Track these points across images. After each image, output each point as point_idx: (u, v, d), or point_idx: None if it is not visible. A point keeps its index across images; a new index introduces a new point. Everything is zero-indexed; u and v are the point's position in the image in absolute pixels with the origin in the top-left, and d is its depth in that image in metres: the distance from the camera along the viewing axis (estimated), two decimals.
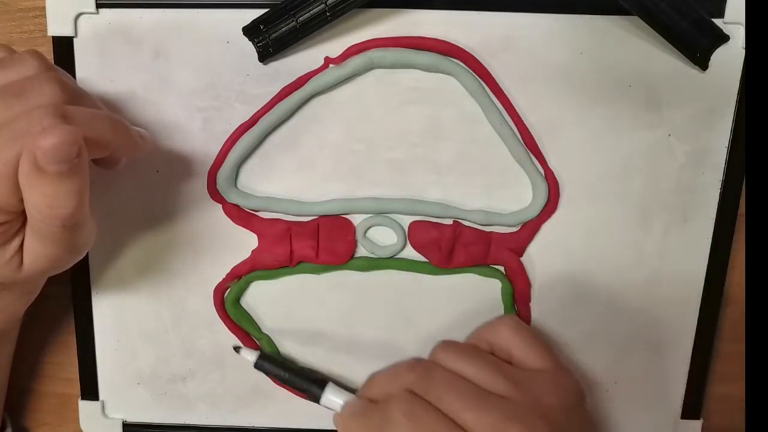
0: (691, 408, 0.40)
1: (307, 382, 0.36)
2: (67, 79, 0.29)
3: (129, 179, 0.37)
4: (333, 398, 0.36)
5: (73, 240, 0.29)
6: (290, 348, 0.40)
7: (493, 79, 0.35)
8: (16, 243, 0.29)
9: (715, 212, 0.37)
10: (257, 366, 0.37)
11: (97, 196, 0.33)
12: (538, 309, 0.38)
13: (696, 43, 0.34)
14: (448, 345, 0.34)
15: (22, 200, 0.27)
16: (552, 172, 0.36)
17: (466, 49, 0.35)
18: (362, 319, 0.39)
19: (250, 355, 0.37)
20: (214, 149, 0.36)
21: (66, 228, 0.28)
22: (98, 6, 0.34)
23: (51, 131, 0.25)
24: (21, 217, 0.28)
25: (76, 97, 0.29)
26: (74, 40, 0.35)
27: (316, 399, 0.36)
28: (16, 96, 0.27)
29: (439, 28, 0.35)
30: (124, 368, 0.40)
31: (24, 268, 0.29)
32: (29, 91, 0.27)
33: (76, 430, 0.41)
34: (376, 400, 0.34)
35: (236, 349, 0.37)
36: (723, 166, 0.36)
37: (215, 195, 0.37)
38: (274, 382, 0.39)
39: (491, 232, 0.37)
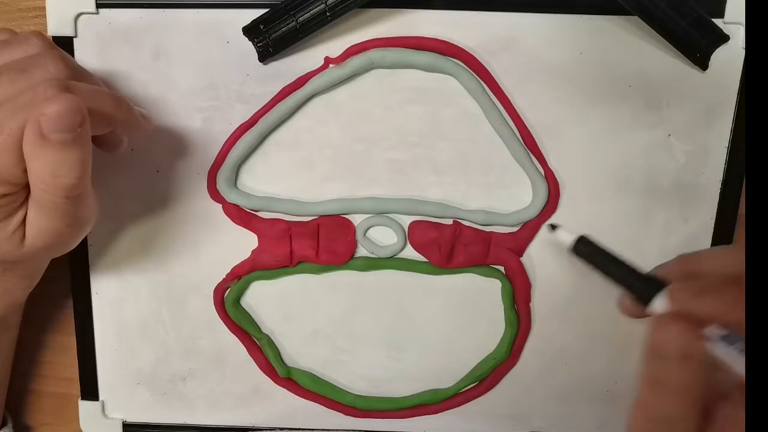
0: None
1: (636, 278, 0.28)
2: (70, 59, 0.30)
3: (129, 179, 0.37)
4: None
5: (76, 213, 0.30)
6: (290, 348, 0.40)
7: (493, 79, 0.35)
8: (18, 217, 0.29)
9: (715, 212, 0.37)
10: (575, 250, 0.30)
11: (98, 195, 0.33)
12: (538, 309, 0.38)
13: (696, 43, 0.34)
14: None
15: (25, 172, 0.28)
16: (552, 172, 0.36)
17: (466, 49, 0.35)
18: (362, 319, 0.39)
19: (567, 236, 0.30)
20: (214, 149, 0.36)
21: (69, 199, 0.28)
22: (98, 6, 0.34)
23: (55, 99, 0.26)
24: (24, 191, 0.29)
25: (79, 74, 0.30)
26: (74, 40, 0.35)
27: (644, 300, 0.28)
28: (20, 72, 0.28)
29: (439, 28, 0.35)
30: (124, 368, 0.40)
31: (26, 243, 0.30)
32: (33, 68, 0.28)
33: (76, 430, 0.41)
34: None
35: (553, 227, 0.30)
36: (723, 166, 0.36)
37: (215, 195, 0.37)
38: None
39: (491, 232, 0.37)
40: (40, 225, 0.29)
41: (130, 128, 0.32)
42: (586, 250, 0.30)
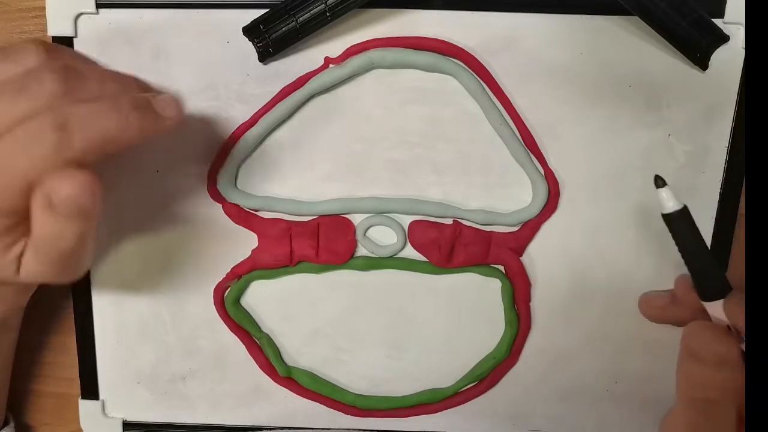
0: None
1: (712, 277, 0.29)
2: (69, 60, 0.29)
3: (129, 179, 0.37)
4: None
5: (71, 265, 0.30)
6: (290, 347, 0.40)
7: (493, 79, 0.35)
8: (17, 249, 0.29)
9: (715, 212, 0.37)
10: (669, 216, 0.29)
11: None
12: (538, 309, 0.38)
13: (696, 43, 0.34)
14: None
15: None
16: (552, 172, 0.36)
17: (466, 49, 0.35)
18: (362, 319, 0.39)
19: (670, 201, 0.30)
20: (214, 149, 0.36)
21: (66, 258, 0.28)
22: (98, 6, 0.34)
23: (70, 179, 0.25)
24: (27, 222, 0.28)
25: (78, 82, 0.28)
26: (74, 40, 0.35)
27: (706, 297, 0.29)
28: (16, 92, 0.27)
29: (439, 28, 0.35)
30: (124, 368, 0.40)
31: (20, 276, 0.29)
32: (29, 89, 0.27)
33: (76, 429, 0.41)
34: None
35: (662, 182, 0.30)
36: (723, 166, 0.36)
37: (215, 195, 0.37)
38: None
39: (491, 231, 0.37)
40: (34, 269, 0.29)
41: (145, 136, 0.29)
42: (679, 222, 0.29)
